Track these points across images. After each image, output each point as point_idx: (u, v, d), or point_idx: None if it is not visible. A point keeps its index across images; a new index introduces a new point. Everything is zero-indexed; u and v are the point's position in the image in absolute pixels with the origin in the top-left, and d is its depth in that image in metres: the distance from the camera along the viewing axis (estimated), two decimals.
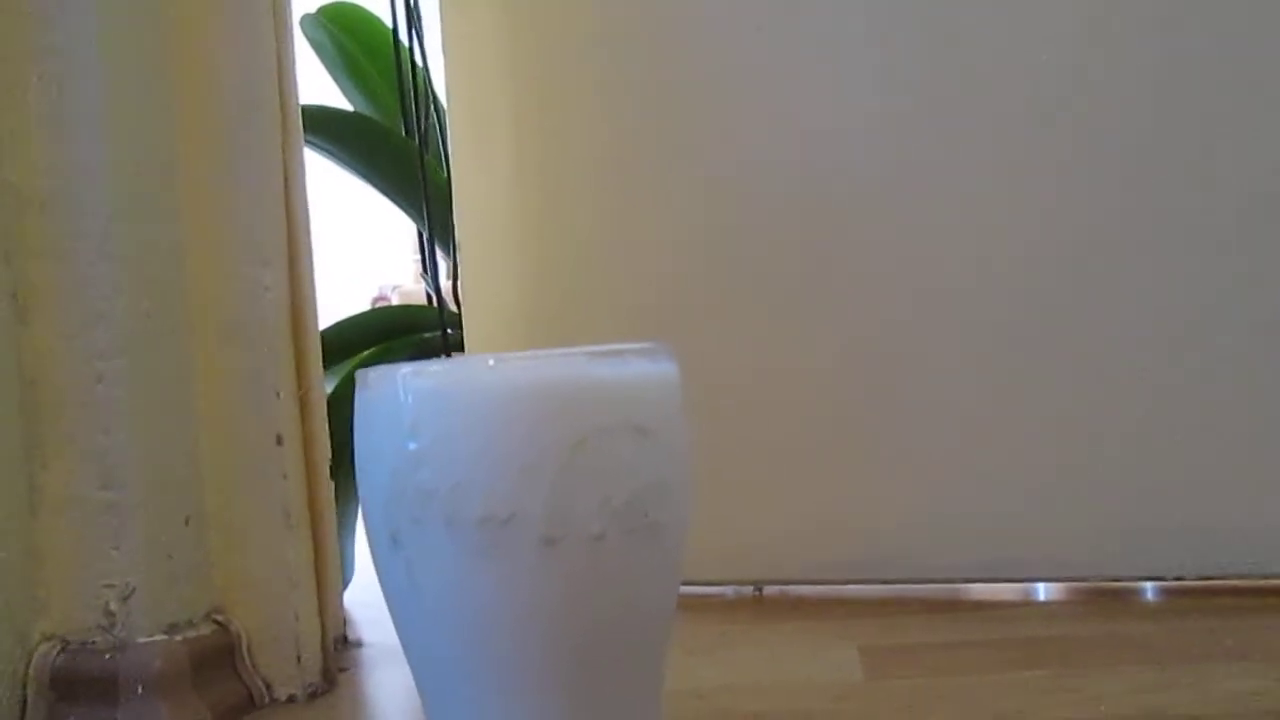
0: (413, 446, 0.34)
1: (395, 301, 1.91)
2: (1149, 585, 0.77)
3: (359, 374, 0.36)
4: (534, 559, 0.33)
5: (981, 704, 0.56)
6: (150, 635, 0.60)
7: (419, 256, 1.07)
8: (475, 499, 0.33)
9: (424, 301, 1.06)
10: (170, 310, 0.64)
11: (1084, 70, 0.76)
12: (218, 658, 0.63)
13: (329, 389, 0.74)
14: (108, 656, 0.59)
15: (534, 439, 0.33)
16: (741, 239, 0.82)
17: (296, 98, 0.71)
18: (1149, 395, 0.75)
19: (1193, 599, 0.74)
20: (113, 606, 0.60)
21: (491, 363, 0.35)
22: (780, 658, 0.69)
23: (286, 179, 0.68)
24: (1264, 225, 0.73)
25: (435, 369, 0.35)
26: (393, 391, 0.35)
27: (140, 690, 0.58)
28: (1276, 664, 0.60)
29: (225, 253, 0.66)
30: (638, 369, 0.35)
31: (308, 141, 0.79)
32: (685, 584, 0.80)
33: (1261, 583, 0.74)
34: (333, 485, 0.70)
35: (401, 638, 0.37)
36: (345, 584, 0.83)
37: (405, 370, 0.35)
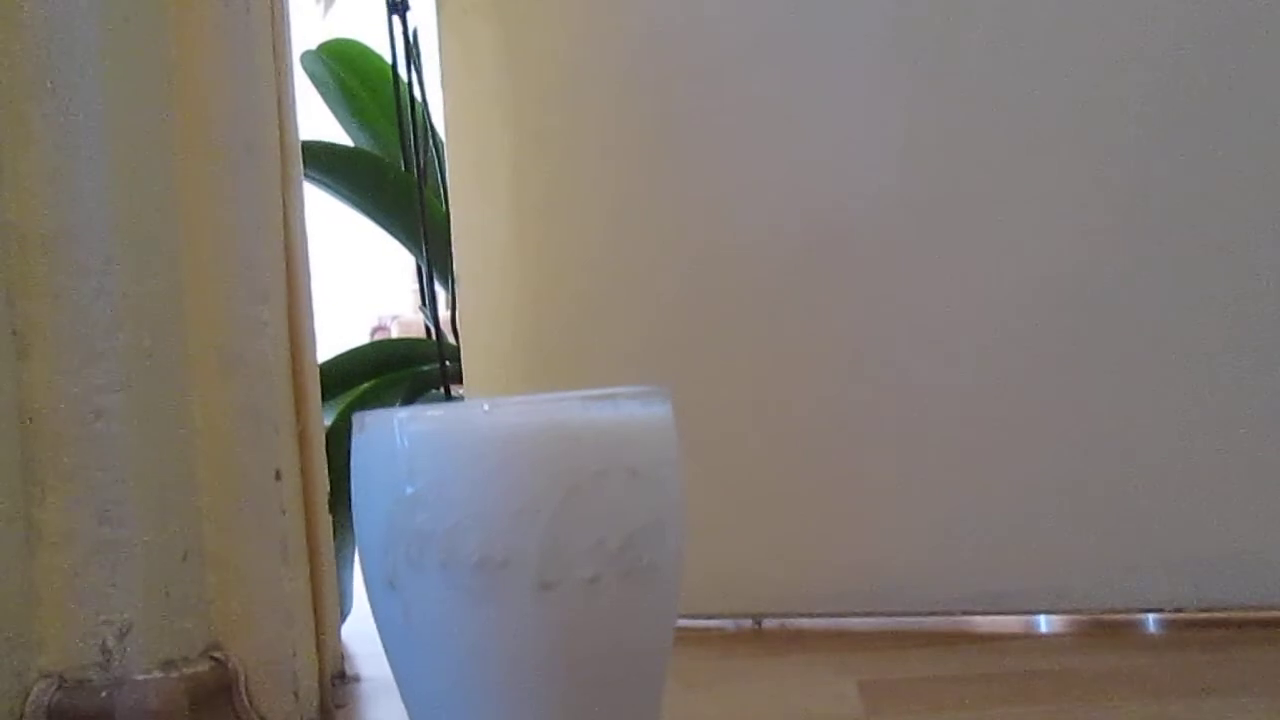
0: (409, 490, 0.34)
1: (394, 330, 1.91)
2: (1150, 617, 0.77)
3: (356, 417, 0.36)
4: (529, 602, 0.33)
5: None
6: (147, 672, 0.59)
7: (418, 287, 1.07)
8: (471, 542, 0.33)
9: (423, 331, 1.06)
10: (169, 346, 0.64)
11: (1084, 111, 0.76)
12: (215, 694, 0.63)
13: (328, 421, 0.74)
14: (104, 694, 0.59)
15: (529, 483, 0.33)
16: (740, 274, 0.82)
17: (296, 134, 0.72)
18: (1149, 426, 0.75)
19: (1193, 631, 0.74)
20: (110, 643, 0.60)
21: (487, 408, 0.35)
22: (779, 692, 0.69)
23: (286, 215, 0.69)
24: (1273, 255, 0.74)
25: (431, 414, 0.35)
26: (389, 435, 0.35)
27: None
28: (1277, 697, 0.60)
29: (224, 289, 0.66)
30: (631, 412, 0.35)
31: (307, 176, 0.80)
32: (684, 616, 0.80)
33: (1263, 614, 0.73)
34: (331, 519, 0.70)
35: (397, 677, 0.37)
36: (343, 618, 0.83)
37: (402, 415, 0.35)
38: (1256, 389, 0.74)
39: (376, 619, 0.37)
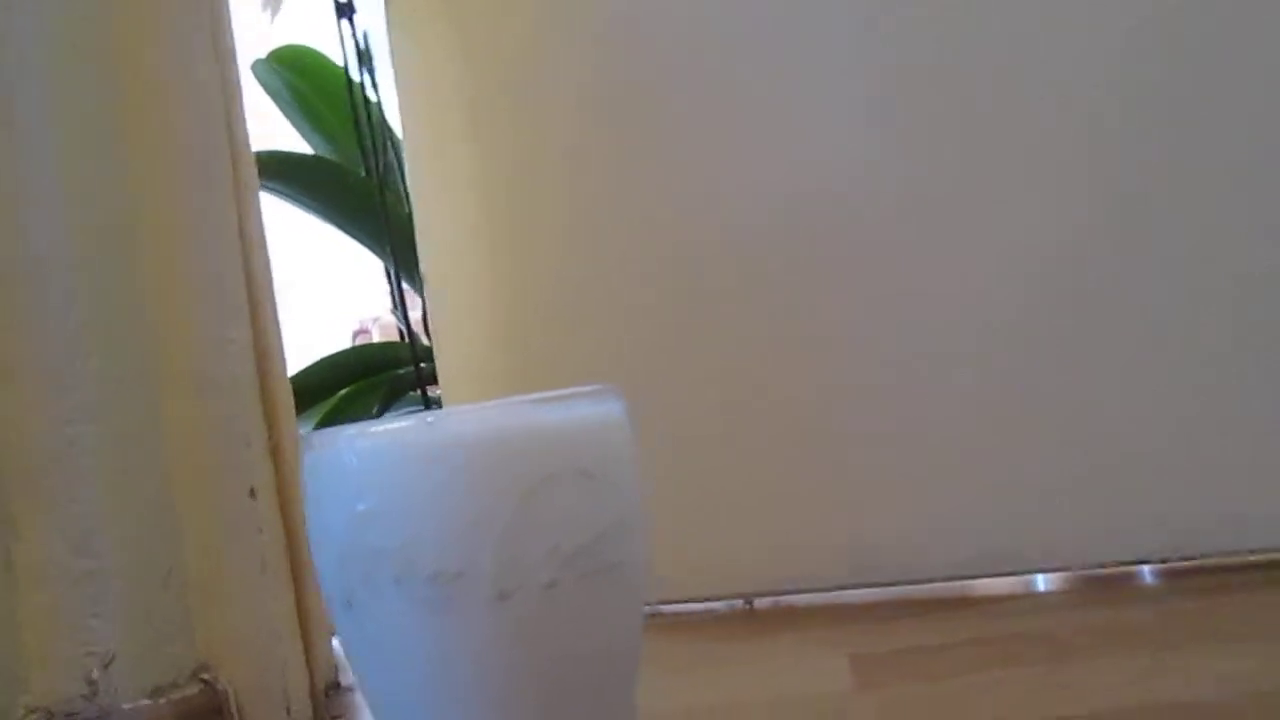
0: (360, 507, 0.33)
1: (375, 333, 1.91)
2: (1146, 569, 0.77)
3: (304, 437, 0.36)
4: (487, 612, 0.32)
5: (973, 707, 0.56)
6: (134, 700, 0.59)
7: (390, 291, 1.07)
8: (425, 556, 0.32)
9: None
10: (136, 371, 0.64)
11: (1079, 100, 0.76)
12: (205, 717, 0.63)
13: (310, 429, 0.74)
14: None
15: (480, 493, 0.33)
16: (713, 265, 0.82)
17: (247, 146, 0.71)
18: (1131, 382, 0.75)
19: (1184, 578, 0.74)
20: (95, 674, 0.59)
21: (431, 420, 0.34)
22: (770, 672, 0.69)
23: (243, 229, 0.68)
24: (1258, 233, 0.73)
25: (377, 429, 0.35)
26: (337, 454, 0.35)
27: None
28: (1266, 643, 0.60)
29: (188, 309, 0.66)
30: (583, 413, 0.35)
31: (267, 187, 0.79)
32: (676, 602, 0.80)
33: (1252, 559, 0.74)
34: None
35: (365, 695, 0.37)
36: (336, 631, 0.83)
37: (349, 432, 0.34)
38: (1244, 343, 0.74)
39: (340, 638, 0.37)
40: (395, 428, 0.35)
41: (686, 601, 0.83)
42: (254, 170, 0.71)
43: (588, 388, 0.35)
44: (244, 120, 0.72)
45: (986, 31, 0.76)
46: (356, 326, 2.01)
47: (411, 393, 0.94)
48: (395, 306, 0.97)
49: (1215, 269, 0.74)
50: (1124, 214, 0.75)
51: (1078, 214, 0.76)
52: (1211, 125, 0.73)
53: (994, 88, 0.77)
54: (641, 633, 0.38)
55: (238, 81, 0.71)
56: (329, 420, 0.87)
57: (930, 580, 0.79)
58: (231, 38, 0.72)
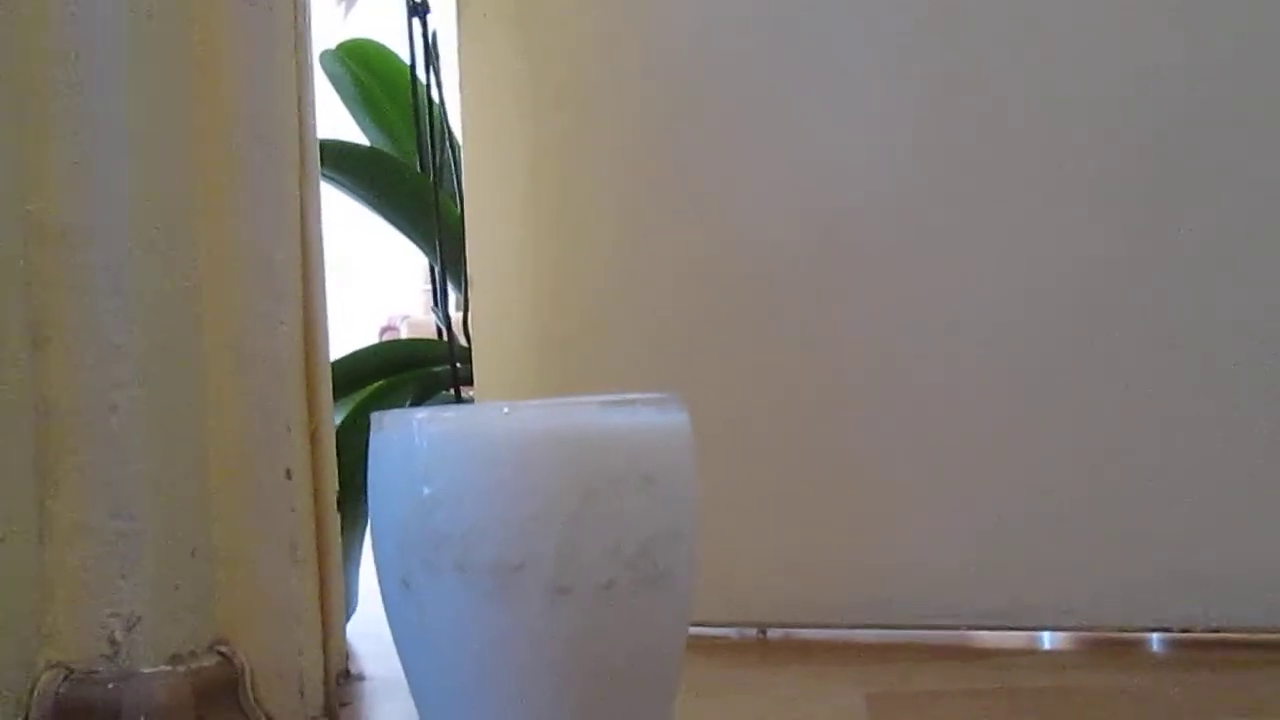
0: (426, 491, 0.34)
1: (403, 330, 1.91)
2: (1155, 636, 0.77)
3: (374, 416, 0.36)
4: (544, 606, 0.33)
5: None
6: (154, 666, 0.60)
7: (429, 288, 1.07)
8: (487, 545, 0.33)
9: (432, 332, 1.06)
10: (185, 343, 0.64)
11: (1089, 113, 0.77)
12: (220, 690, 0.63)
13: (336, 420, 0.75)
14: (111, 686, 0.59)
15: (546, 487, 0.33)
16: (754, 279, 0.82)
17: (314, 133, 0.72)
18: (1158, 443, 0.75)
19: (1200, 651, 0.74)
20: (118, 636, 0.60)
21: (506, 410, 0.35)
22: (785, 703, 0.69)
23: (303, 214, 0.69)
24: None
25: (449, 415, 0.35)
26: (408, 436, 0.35)
27: None
28: None
29: (240, 286, 0.66)
30: (648, 419, 0.36)
31: (324, 175, 0.80)
32: (690, 625, 0.79)
33: (1271, 636, 0.73)
34: (339, 518, 0.70)
35: (410, 678, 0.37)
36: (349, 616, 0.83)
37: (420, 415, 0.35)
38: (1269, 406, 0.74)
39: (390, 619, 0.37)
40: (468, 414, 0.35)
41: (699, 625, 0.83)
42: (317, 156, 0.72)
43: (653, 394, 0.36)
44: (314, 107, 0.73)
45: (998, 45, 0.78)
46: (385, 323, 2.02)
47: (444, 392, 0.95)
48: (436, 304, 0.98)
49: (1243, 295, 0.74)
50: (1155, 237, 0.75)
51: (1111, 237, 0.76)
52: (1224, 137, 0.74)
53: (1011, 102, 0.78)
54: (684, 644, 0.38)
55: (311, 67, 0.72)
56: (361, 412, 0.88)
57: (951, 627, 0.79)
58: (309, 26, 0.73)
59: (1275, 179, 0.73)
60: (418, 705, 0.37)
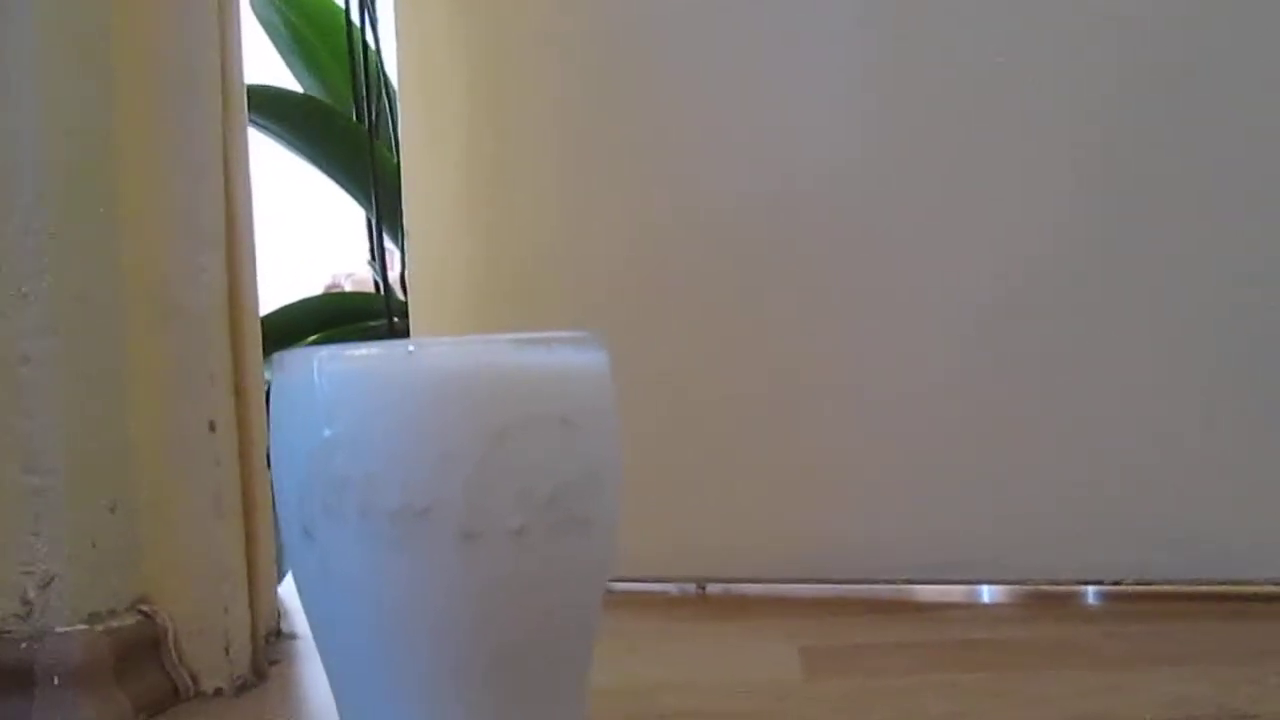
0: (327, 433, 0.32)
1: (348, 288, 1.88)
2: (1090, 589, 0.77)
3: (275, 358, 0.35)
4: (451, 553, 0.31)
5: (921, 706, 0.56)
6: (70, 625, 0.58)
7: (369, 243, 1.05)
8: (391, 489, 0.31)
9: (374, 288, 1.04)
10: (101, 290, 0.62)
11: (1063, 90, 0.76)
12: (142, 649, 0.61)
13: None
14: (24, 645, 0.57)
15: (454, 428, 0.32)
16: (694, 234, 0.81)
17: (241, 76, 0.69)
18: (1095, 399, 0.76)
19: (1134, 603, 0.75)
20: (31, 594, 0.58)
21: (411, 348, 0.33)
22: (721, 656, 0.68)
23: (227, 159, 0.66)
24: (1245, 237, 0.74)
25: (352, 353, 0.33)
26: (308, 375, 0.33)
27: (56, 681, 0.56)
28: (1215, 669, 0.60)
29: (161, 232, 0.64)
30: (565, 358, 0.34)
31: (255, 122, 0.77)
32: (628, 580, 0.79)
33: (1202, 588, 0.74)
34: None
35: (314, 631, 0.36)
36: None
37: (322, 354, 0.33)
38: (1208, 370, 0.74)
39: (293, 570, 0.35)
40: (372, 353, 0.33)
41: (637, 580, 0.82)
42: (244, 101, 0.70)
43: (571, 333, 0.34)
44: (239, 49, 0.70)
45: (980, 19, 0.76)
46: (329, 280, 1.98)
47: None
48: (373, 258, 0.96)
49: (1209, 271, 0.74)
50: (1119, 215, 0.75)
51: (1069, 213, 0.76)
52: (1214, 119, 0.74)
53: (988, 80, 0.77)
54: (603, 595, 0.37)
55: (237, 9, 0.70)
56: None
57: (880, 582, 0.79)
58: None
59: (1250, 156, 0.73)
60: (323, 656, 0.36)
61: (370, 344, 0.34)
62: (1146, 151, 0.74)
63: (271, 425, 0.35)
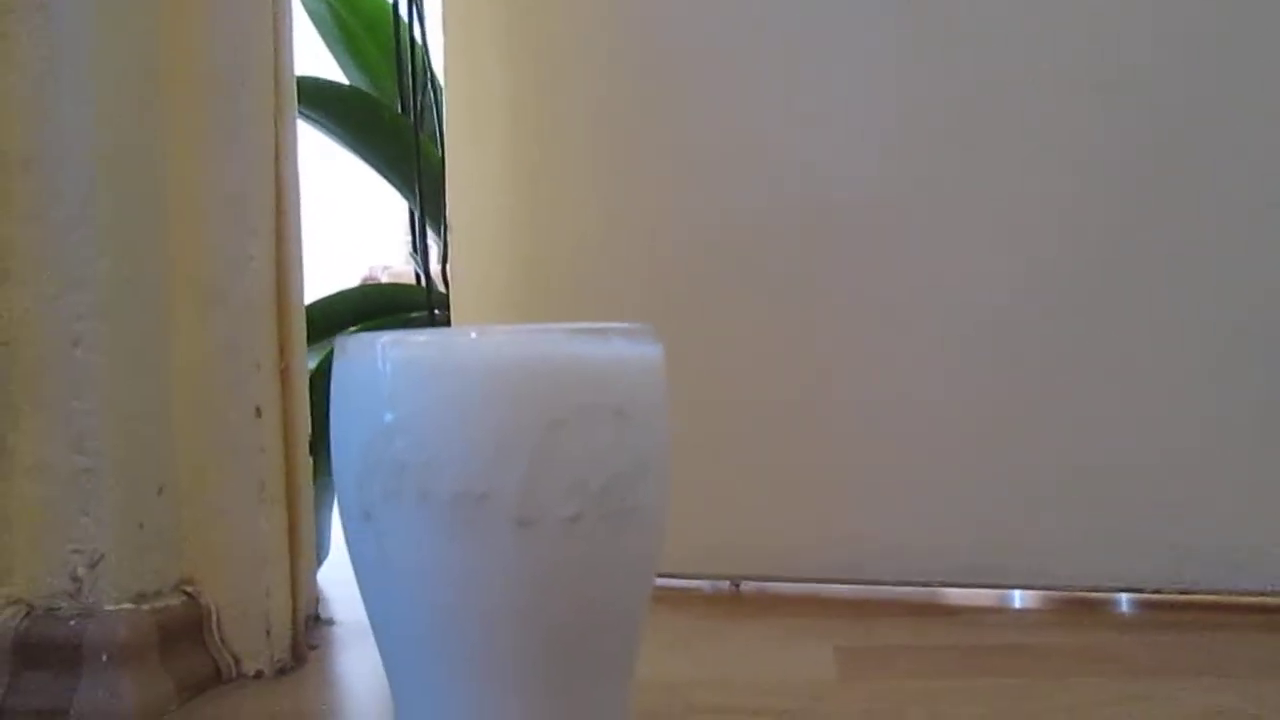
0: (389, 418, 0.33)
1: (384, 281, 1.89)
2: (1124, 597, 0.77)
3: (338, 341, 0.35)
4: (507, 539, 0.32)
5: (953, 708, 0.56)
6: (117, 604, 0.59)
7: (410, 236, 1.06)
8: (449, 474, 0.32)
9: (414, 282, 1.05)
10: (151, 276, 0.63)
11: (1083, 100, 0.76)
12: (186, 629, 0.62)
13: (312, 364, 0.73)
14: (72, 623, 0.58)
15: (512, 416, 0.32)
16: (739, 231, 0.81)
17: (291, 68, 0.70)
18: (1134, 408, 0.75)
19: (1169, 613, 0.74)
20: (80, 573, 0.59)
21: (474, 335, 0.34)
22: (754, 654, 0.69)
23: (278, 148, 0.67)
24: (1260, 240, 0.73)
25: (416, 339, 0.34)
26: (371, 360, 0.34)
27: (105, 659, 0.57)
28: (1250, 681, 0.60)
29: (211, 220, 0.65)
30: (620, 349, 0.35)
31: (302, 114, 0.78)
32: (662, 576, 0.79)
33: (1238, 599, 0.74)
34: (311, 461, 0.69)
35: (370, 615, 0.36)
36: (320, 561, 0.83)
37: (385, 339, 0.34)
38: (1244, 377, 0.74)
39: (351, 552, 0.36)
40: (434, 339, 0.34)
41: (671, 576, 0.82)
42: (294, 91, 0.70)
43: (626, 325, 0.35)
44: (291, 40, 0.71)
45: (1000, 25, 0.76)
46: (365, 273, 1.99)
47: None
48: (415, 250, 0.96)
49: (1228, 277, 0.73)
50: (1142, 221, 0.75)
51: (1096, 217, 0.75)
52: (1215, 121, 0.73)
53: (1008, 65, 0.77)
54: (651, 586, 0.37)
55: (289, 3, 0.71)
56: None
57: (914, 584, 0.79)
58: None
59: (1259, 159, 0.73)
60: (378, 639, 0.36)
61: (432, 330, 0.35)
62: (1160, 154, 0.74)
63: (332, 409, 0.36)
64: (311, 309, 0.71)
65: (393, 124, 0.94)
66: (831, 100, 0.80)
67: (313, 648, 0.69)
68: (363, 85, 1.03)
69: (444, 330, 0.42)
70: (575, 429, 0.32)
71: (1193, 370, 0.74)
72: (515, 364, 0.32)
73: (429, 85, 0.97)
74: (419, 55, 0.94)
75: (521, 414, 0.32)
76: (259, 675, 0.64)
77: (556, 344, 0.34)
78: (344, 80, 1.04)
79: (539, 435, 0.32)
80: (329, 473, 0.75)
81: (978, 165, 0.77)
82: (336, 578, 0.80)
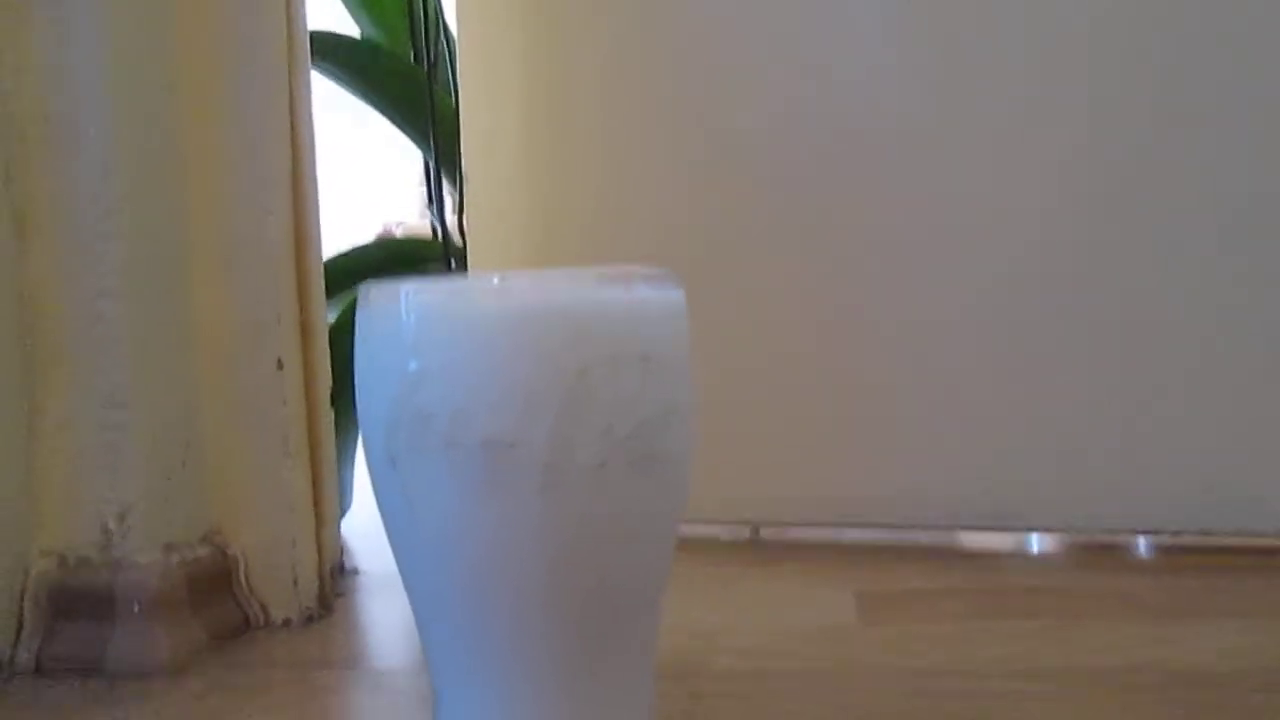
0: (413, 366, 0.33)
1: (399, 236, 1.89)
2: (1143, 540, 0.77)
3: (362, 289, 0.35)
4: (534, 487, 0.32)
5: (974, 651, 0.57)
6: (148, 555, 0.60)
7: (424, 189, 1.05)
8: (476, 424, 0.32)
9: (429, 236, 1.04)
10: (172, 230, 0.63)
11: (1107, 43, 0.74)
12: (214, 579, 0.63)
13: (331, 318, 0.74)
14: (104, 573, 0.59)
15: (539, 365, 0.32)
16: (753, 177, 0.81)
17: (304, 20, 0.70)
18: (1150, 350, 0.75)
19: (1188, 556, 0.75)
20: (110, 524, 0.60)
21: (497, 281, 0.34)
22: (776, 600, 0.69)
23: (292, 102, 0.67)
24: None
25: (440, 287, 0.34)
26: (395, 309, 0.34)
27: (137, 608, 0.58)
28: (1271, 622, 0.60)
29: (228, 174, 0.65)
30: (644, 296, 0.34)
31: (315, 66, 0.78)
32: (682, 523, 0.79)
33: (1258, 541, 0.74)
34: (333, 413, 0.69)
35: (398, 563, 0.37)
36: (344, 512, 0.83)
37: (409, 287, 0.34)
38: (1261, 323, 0.73)
39: (378, 501, 0.36)
40: (459, 286, 0.34)
41: (692, 522, 0.83)
42: (307, 45, 0.70)
43: (647, 269, 0.35)
44: None
45: None
46: (380, 229, 1.99)
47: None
48: (431, 202, 0.96)
49: (1256, 206, 0.73)
50: (1176, 154, 0.74)
51: (1133, 150, 0.75)
52: (1225, 115, 0.72)
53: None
54: (677, 534, 0.38)
55: None
56: (355, 309, 0.87)
57: (932, 528, 0.79)
58: None
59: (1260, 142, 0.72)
60: (407, 587, 0.37)
61: (456, 277, 0.35)
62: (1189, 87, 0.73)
63: (356, 356, 0.36)
64: (328, 265, 0.71)
65: (406, 75, 0.93)
66: (849, 36, 0.79)
67: (339, 596, 0.70)
68: (375, 36, 1.02)
69: (467, 276, 0.42)
70: (602, 377, 0.32)
71: (1214, 312, 0.74)
72: (542, 312, 0.32)
73: (441, 35, 0.96)
74: (432, 6, 0.93)
75: (550, 363, 0.32)
76: (287, 623, 0.65)
77: (583, 290, 0.34)
78: (356, 32, 1.03)
79: (566, 384, 0.32)
80: (350, 425, 0.76)
81: (1000, 120, 0.76)
82: (360, 529, 0.81)
